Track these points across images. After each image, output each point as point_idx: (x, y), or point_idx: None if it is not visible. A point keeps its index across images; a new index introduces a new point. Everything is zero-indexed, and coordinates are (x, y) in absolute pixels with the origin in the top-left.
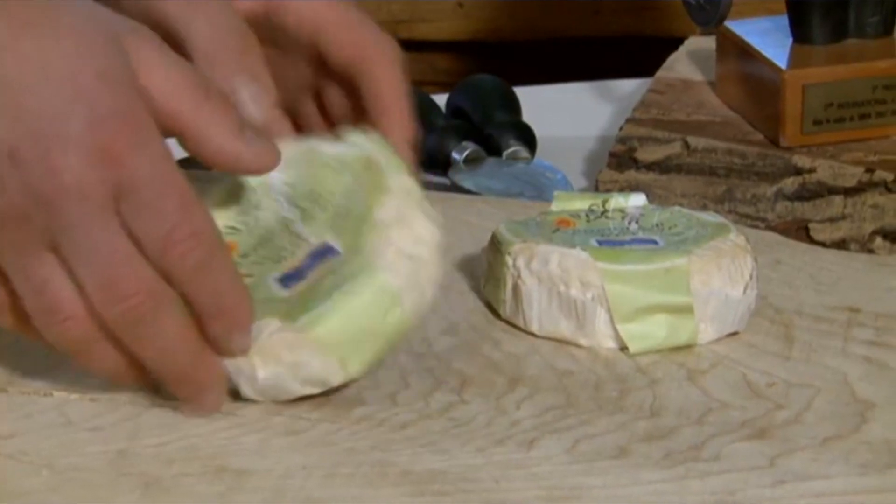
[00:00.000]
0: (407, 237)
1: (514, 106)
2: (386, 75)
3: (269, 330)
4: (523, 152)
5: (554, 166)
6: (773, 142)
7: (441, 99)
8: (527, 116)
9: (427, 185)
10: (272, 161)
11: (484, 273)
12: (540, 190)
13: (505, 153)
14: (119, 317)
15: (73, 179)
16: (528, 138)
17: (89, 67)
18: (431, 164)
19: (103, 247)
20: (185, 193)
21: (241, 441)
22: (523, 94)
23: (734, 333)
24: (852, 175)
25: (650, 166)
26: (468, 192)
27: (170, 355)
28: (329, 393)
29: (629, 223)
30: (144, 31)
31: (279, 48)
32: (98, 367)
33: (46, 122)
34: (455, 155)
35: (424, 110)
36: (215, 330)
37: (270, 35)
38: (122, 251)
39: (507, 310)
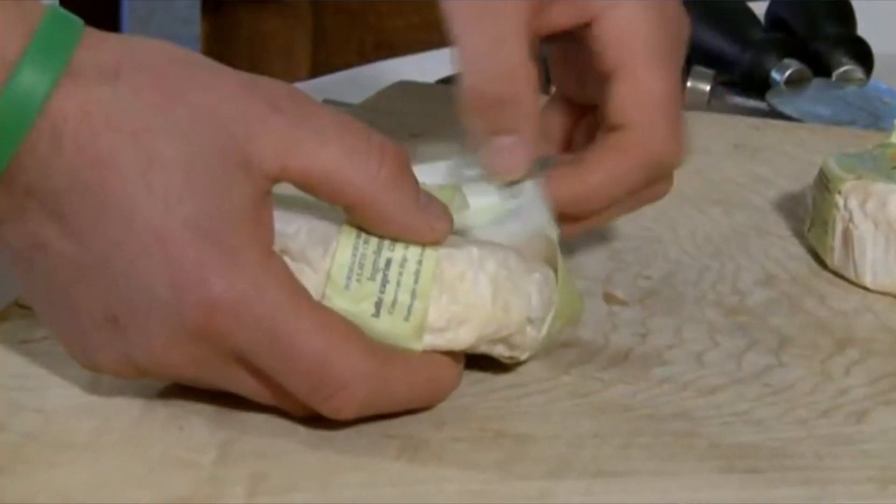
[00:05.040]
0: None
1: (846, 17)
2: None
3: None
4: (857, 72)
5: (894, 90)
6: None
7: (759, 8)
8: (862, 30)
9: (741, 110)
10: (448, 230)
11: (808, 215)
12: (876, 117)
13: (835, 73)
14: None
15: (177, 359)
16: (862, 55)
17: (175, 215)
18: (746, 85)
19: (250, 393)
20: (314, 340)
21: (521, 403)
22: (858, 2)
23: None
24: None
25: None
26: (789, 118)
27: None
28: (624, 352)
29: None
30: (281, 97)
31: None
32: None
33: (135, 290)
34: (775, 74)
35: (739, 21)
36: None
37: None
38: (271, 393)
39: (835, 258)
